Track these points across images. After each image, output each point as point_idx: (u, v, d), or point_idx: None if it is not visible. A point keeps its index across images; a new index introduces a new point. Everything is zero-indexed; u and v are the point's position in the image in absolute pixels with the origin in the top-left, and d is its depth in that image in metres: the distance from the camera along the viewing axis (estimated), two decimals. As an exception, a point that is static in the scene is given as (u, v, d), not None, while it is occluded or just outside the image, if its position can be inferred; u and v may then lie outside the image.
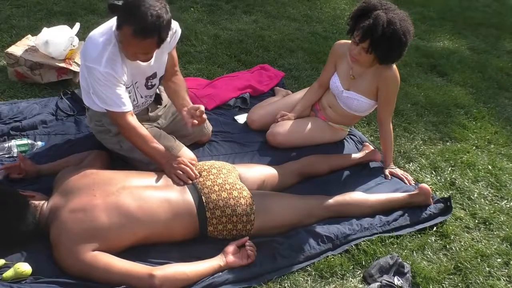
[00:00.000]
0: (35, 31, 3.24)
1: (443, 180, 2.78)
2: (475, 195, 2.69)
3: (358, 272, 2.10)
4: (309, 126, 2.78)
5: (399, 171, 2.67)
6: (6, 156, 2.39)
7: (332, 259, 2.12)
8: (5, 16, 3.72)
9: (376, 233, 2.26)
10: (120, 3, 1.98)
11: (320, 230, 2.18)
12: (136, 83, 2.24)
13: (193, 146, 2.60)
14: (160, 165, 2.17)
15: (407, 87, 3.71)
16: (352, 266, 2.11)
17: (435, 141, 3.16)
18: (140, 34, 1.91)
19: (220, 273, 1.92)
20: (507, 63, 4.46)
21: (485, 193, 2.73)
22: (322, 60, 3.76)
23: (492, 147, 3.18)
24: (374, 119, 3.11)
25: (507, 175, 2.89)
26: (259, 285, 1.95)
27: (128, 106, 2.13)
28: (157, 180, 2.07)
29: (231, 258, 1.96)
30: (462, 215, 2.53)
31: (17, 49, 2.99)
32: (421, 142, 3.12)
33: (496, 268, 2.23)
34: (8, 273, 1.77)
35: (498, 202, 2.69)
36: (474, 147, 3.14)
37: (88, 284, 1.78)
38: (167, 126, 2.55)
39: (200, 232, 2.03)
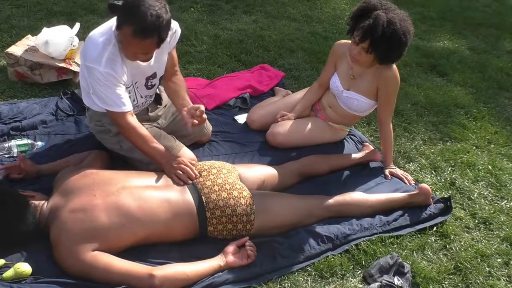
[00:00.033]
0: (35, 31, 3.24)
1: (443, 180, 2.78)
2: (475, 195, 2.69)
3: (358, 272, 2.10)
4: (309, 126, 2.78)
5: (399, 171, 2.67)
6: (6, 156, 2.39)
7: (332, 259, 2.12)
8: (5, 16, 3.73)
9: (376, 233, 2.26)
10: (120, 3, 1.98)
11: (320, 230, 2.18)
12: (136, 83, 2.24)
13: (193, 146, 2.60)
14: (160, 165, 2.17)
15: (407, 87, 3.71)
16: (352, 266, 2.11)
17: (435, 141, 3.16)
18: (140, 34, 1.91)
19: (220, 273, 1.92)
20: (507, 63, 4.46)
21: (485, 193, 2.73)
22: (322, 60, 3.76)
23: (492, 147, 3.18)
24: (374, 119, 3.11)
25: (507, 175, 2.89)
26: (259, 285, 1.95)
27: (128, 106, 2.13)
28: (157, 180, 2.07)
29: (231, 258, 1.96)
30: (462, 215, 2.53)
31: (17, 49, 2.99)
32: (421, 142, 3.12)
33: (496, 268, 2.23)
34: (8, 273, 1.77)
35: (498, 202, 2.69)
36: (474, 147, 3.14)
37: (88, 284, 1.78)
38: (167, 126, 2.55)
39: (200, 232, 2.04)
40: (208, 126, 2.73)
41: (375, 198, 2.40)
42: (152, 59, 2.19)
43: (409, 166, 2.87)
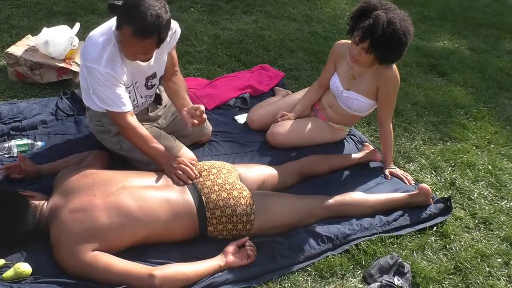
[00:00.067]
0: (35, 31, 3.24)
1: (443, 180, 2.78)
2: (475, 195, 2.69)
3: (358, 272, 2.10)
4: (309, 126, 2.78)
5: (399, 171, 2.67)
6: (6, 156, 2.39)
7: (332, 259, 2.12)
8: (5, 16, 3.73)
9: (376, 233, 2.26)
10: (120, 3, 1.98)
11: (320, 230, 2.18)
12: (136, 83, 2.24)
13: (193, 146, 2.60)
14: (160, 165, 2.17)
15: (407, 87, 3.71)
16: (352, 266, 2.11)
17: (435, 141, 3.16)
18: (140, 34, 1.91)
19: (220, 273, 1.92)
20: (507, 63, 4.46)
21: (485, 193, 2.73)
22: (322, 60, 3.76)
23: (492, 147, 3.18)
24: (374, 119, 3.11)
25: (507, 175, 2.89)
26: (259, 285, 1.95)
27: (128, 106, 2.13)
28: (157, 180, 2.07)
29: (231, 258, 1.96)
30: (462, 215, 2.53)
31: (17, 49, 2.99)
32: (421, 142, 3.12)
33: (496, 268, 2.23)
34: (8, 273, 1.77)
35: (498, 202, 2.69)
36: (474, 147, 3.14)
37: (88, 284, 1.78)
38: (167, 126, 2.55)
39: (200, 232, 2.03)
40: (208, 126, 2.73)
41: (375, 198, 2.40)
42: (152, 59, 2.19)
43: (409, 166, 2.87)
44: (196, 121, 2.19)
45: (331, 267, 2.08)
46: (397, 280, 2.02)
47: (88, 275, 1.77)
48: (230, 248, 2.00)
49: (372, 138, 3.07)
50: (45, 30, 3.03)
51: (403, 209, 2.39)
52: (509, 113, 3.64)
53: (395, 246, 2.24)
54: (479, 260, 2.25)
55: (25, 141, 2.47)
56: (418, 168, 2.86)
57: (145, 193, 1.95)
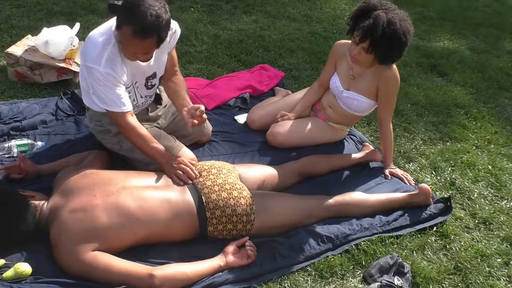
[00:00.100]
0: (35, 31, 3.24)
1: (443, 180, 2.78)
2: (475, 195, 2.69)
3: (358, 272, 2.10)
4: (309, 126, 2.78)
5: (399, 171, 2.67)
6: (6, 156, 2.39)
7: (332, 259, 2.12)
8: (5, 16, 3.73)
9: (376, 233, 2.26)
10: (120, 3, 1.98)
11: (320, 230, 2.18)
12: (136, 83, 2.24)
13: (193, 146, 2.60)
14: (160, 165, 2.17)
15: (407, 87, 3.71)
16: (352, 266, 2.11)
17: (435, 141, 3.16)
18: (140, 34, 1.91)
19: (220, 273, 1.92)
20: (507, 63, 4.46)
21: (485, 193, 2.73)
22: (322, 60, 3.76)
23: (492, 147, 3.18)
24: (374, 119, 3.11)
25: (507, 175, 2.89)
26: (259, 285, 1.95)
27: (128, 106, 2.13)
28: (157, 180, 2.07)
29: (231, 258, 1.96)
30: (462, 215, 2.53)
31: (17, 49, 2.99)
32: (421, 142, 3.12)
33: (496, 268, 2.23)
34: (8, 273, 1.77)
35: (498, 202, 2.69)
36: (474, 147, 3.14)
37: (88, 284, 1.78)
38: (167, 126, 2.55)
39: (200, 232, 2.03)
40: (208, 126, 2.73)
41: (375, 198, 2.40)
42: (152, 59, 2.19)
43: (409, 166, 2.87)
44: (196, 121, 2.19)
45: (331, 267, 2.08)
46: (397, 280, 2.02)
47: (88, 275, 1.77)
48: (230, 248, 2.00)
49: (372, 138, 3.07)
50: (45, 30, 3.03)
51: (403, 209, 2.39)
52: (509, 113, 3.64)
53: (395, 246, 2.24)
54: (479, 260, 2.25)
55: (25, 141, 2.47)
56: (418, 168, 2.86)
57: (145, 193, 1.95)
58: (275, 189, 2.35)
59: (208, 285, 1.87)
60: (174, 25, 2.21)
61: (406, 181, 2.62)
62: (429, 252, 2.25)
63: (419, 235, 2.33)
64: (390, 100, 2.59)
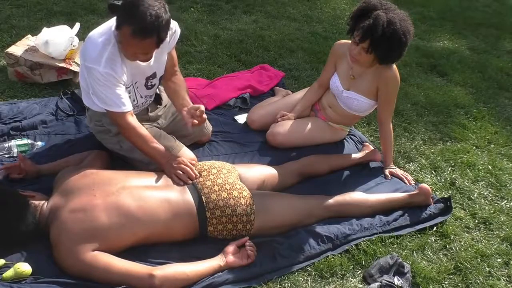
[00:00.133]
0: (35, 31, 3.24)
1: (443, 180, 2.78)
2: (475, 195, 2.69)
3: (358, 272, 2.10)
4: (309, 126, 2.78)
5: (399, 171, 2.67)
6: (6, 156, 2.39)
7: (332, 259, 2.12)
8: (5, 16, 3.73)
9: (376, 233, 2.26)
10: (119, 3, 1.98)
11: (320, 230, 2.18)
12: (136, 83, 2.24)
13: (193, 146, 2.60)
14: (160, 165, 2.17)
15: (407, 87, 3.71)
16: (352, 266, 2.11)
17: (435, 141, 3.16)
18: (139, 34, 1.91)
19: (220, 273, 1.92)
20: (507, 63, 4.46)
21: (485, 193, 2.73)
22: (322, 60, 3.76)
23: (492, 147, 3.18)
24: (374, 119, 3.11)
25: (507, 175, 2.89)
26: (259, 285, 1.95)
27: (128, 106, 2.13)
28: (157, 180, 2.07)
29: (231, 258, 1.96)
30: (462, 215, 2.53)
31: (17, 49, 2.99)
32: (421, 142, 3.12)
33: (496, 268, 2.23)
34: (8, 273, 1.77)
35: (498, 202, 2.69)
36: (474, 147, 3.14)
37: (88, 284, 1.78)
38: (167, 126, 2.55)
39: (200, 232, 2.03)
40: (208, 126, 2.73)
41: (375, 198, 2.40)
42: (152, 59, 2.19)
43: (409, 166, 2.87)
44: (196, 121, 2.19)
45: (331, 267, 2.08)
46: (397, 280, 2.02)
47: (88, 275, 1.77)
48: (230, 248, 2.00)
49: (372, 138, 3.07)
50: (45, 30, 3.03)
51: (403, 209, 2.39)
52: (509, 113, 3.64)
53: (395, 246, 2.24)
54: (479, 260, 2.25)
55: (25, 141, 2.47)
56: (418, 168, 2.86)
57: (145, 193, 1.95)
58: (275, 189, 2.35)
59: (208, 285, 1.87)
60: (174, 25, 2.21)
61: (406, 181, 2.62)
62: (429, 252, 2.25)
63: (419, 235, 2.33)
64: (390, 100, 2.59)
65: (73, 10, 4.00)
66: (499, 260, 2.28)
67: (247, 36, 4.11)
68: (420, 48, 4.45)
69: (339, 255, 2.15)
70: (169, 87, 2.41)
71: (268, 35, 4.20)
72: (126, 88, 2.16)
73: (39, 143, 2.51)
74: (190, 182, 2.09)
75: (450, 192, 2.69)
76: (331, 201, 2.30)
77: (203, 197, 2.03)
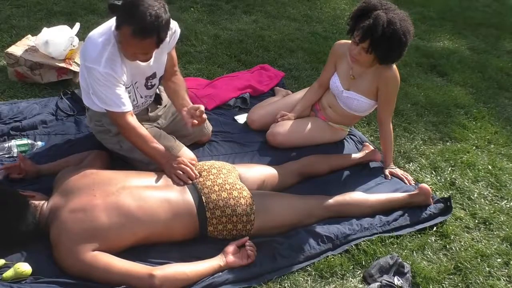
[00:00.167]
0: (35, 31, 3.24)
1: (443, 180, 2.78)
2: (475, 195, 2.69)
3: (358, 272, 2.10)
4: (309, 126, 2.78)
5: (399, 171, 2.67)
6: (6, 156, 2.39)
7: (332, 259, 2.12)
8: (5, 16, 3.73)
9: (376, 233, 2.26)
10: (119, 3, 1.98)
11: (320, 230, 2.18)
12: (135, 83, 2.24)
13: (193, 146, 2.60)
14: (160, 165, 2.17)
15: (407, 87, 3.71)
16: (352, 266, 2.11)
17: (435, 141, 3.16)
18: (139, 34, 1.91)
19: (220, 273, 1.92)
20: (507, 63, 4.46)
21: (485, 193, 2.73)
22: (322, 60, 3.76)
23: (492, 147, 3.18)
24: (374, 119, 3.11)
25: (507, 175, 2.89)
26: (259, 285, 1.95)
27: (127, 106, 2.13)
28: (157, 180, 2.07)
29: (231, 258, 1.96)
30: (462, 215, 2.53)
31: (17, 49, 2.99)
32: (421, 142, 3.12)
33: (496, 268, 2.23)
34: (8, 273, 1.77)
35: (498, 202, 2.69)
36: (474, 147, 3.14)
37: (88, 284, 1.78)
38: (167, 126, 2.55)
39: (200, 232, 2.03)
40: (208, 126, 2.73)
41: (375, 198, 2.40)
42: (152, 59, 2.19)
43: (409, 166, 2.87)
44: (196, 121, 2.19)
45: (331, 267, 2.08)
46: (397, 280, 2.02)
47: (88, 275, 1.77)
48: (230, 248, 2.00)
49: (372, 138, 3.07)
50: (45, 30, 3.03)
51: (403, 209, 2.39)
52: (509, 113, 3.64)
53: (395, 246, 2.24)
54: (479, 260, 2.25)
55: (25, 141, 2.47)
56: (418, 168, 2.86)
57: (145, 193, 1.95)
58: (275, 189, 2.35)
59: (208, 285, 1.87)
60: (174, 25, 2.21)
61: (406, 181, 2.62)
62: (429, 252, 2.25)
63: (419, 235, 2.33)
64: (390, 100, 2.59)
65: (73, 10, 4.00)
66: (499, 260, 2.28)
67: (247, 36, 4.11)
68: (420, 48, 4.45)
69: (339, 255, 2.15)
70: (169, 87, 2.41)
71: (268, 35, 4.20)
72: (126, 88, 2.16)
73: (39, 143, 2.51)
74: (190, 182, 2.09)
75: (450, 192, 2.69)
76: (331, 201, 2.30)
77: (203, 197, 2.03)
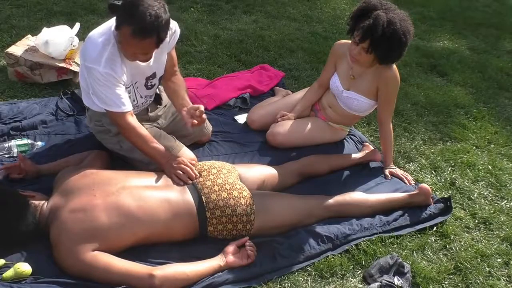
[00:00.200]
0: (35, 31, 3.24)
1: (443, 180, 2.78)
2: (475, 195, 2.69)
3: (358, 272, 2.10)
4: (309, 126, 2.78)
5: (399, 171, 2.67)
6: (6, 156, 2.39)
7: (332, 259, 2.12)
8: (5, 16, 3.73)
9: (376, 233, 2.26)
10: (119, 3, 1.98)
11: (320, 230, 2.18)
12: (135, 83, 2.24)
13: (193, 146, 2.60)
14: (160, 165, 2.17)
15: (407, 87, 3.71)
16: (352, 266, 2.11)
17: (435, 141, 3.16)
18: (139, 34, 1.91)
19: (220, 273, 1.92)
20: (507, 63, 4.46)
21: (485, 193, 2.73)
22: (322, 60, 3.76)
23: (492, 147, 3.18)
24: (374, 119, 3.11)
25: (507, 175, 2.89)
26: (259, 285, 1.95)
27: (127, 106, 2.13)
28: (157, 180, 2.07)
29: (231, 258, 1.96)
30: (462, 215, 2.53)
31: (17, 49, 2.99)
32: (421, 142, 3.12)
33: (496, 268, 2.23)
34: (8, 273, 1.77)
35: (498, 202, 2.69)
36: (474, 147, 3.14)
37: (88, 284, 1.78)
38: (167, 126, 2.55)
39: (200, 232, 2.03)
40: (208, 126, 2.73)
41: (375, 198, 2.40)
42: (152, 59, 2.19)
43: (409, 166, 2.87)
44: (195, 121, 2.19)
45: (331, 267, 2.08)
46: (397, 280, 2.02)
47: (88, 275, 1.77)
48: (230, 248, 2.00)
49: (372, 138, 3.07)
50: (45, 30, 3.03)
51: (403, 209, 2.39)
52: (509, 113, 3.64)
53: (395, 246, 2.24)
54: (479, 260, 2.25)
55: (25, 141, 2.47)
56: (418, 168, 2.86)
57: (145, 193, 1.95)
58: (275, 189, 2.35)
59: (208, 285, 1.87)
60: (174, 25, 2.21)
61: (406, 181, 2.62)
62: (429, 252, 2.25)
63: (419, 235, 2.33)
64: (390, 100, 2.59)
65: (73, 10, 4.00)
66: (499, 260, 2.28)
67: (247, 36, 4.11)
68: (420, 48, 4.45)
69: (339, 255, 2.15)
70: (168, 87, 2.41)
71: (268, 35, 4.20)
72: (126, 88, 2.16)
73: (39, 143, 2.51)
74: (190, 182, 2.09)
75: (450, 192, 2.69)
76: (331, 201, 2.30)
77: (203, 197, 2.03)
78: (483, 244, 2.36)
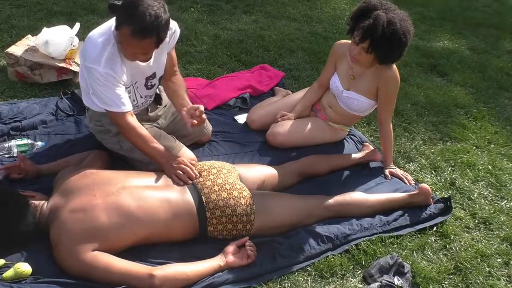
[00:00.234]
0: (35, 31, 3.24)
1: (443, 180, 2.78)
2: (475, 195, 2.69)
3: (358, 272, 2.10)
4: (309, 126, 2.78)
5: (399, 171, 2.67)
6: (6, 156, 2.39)
7: (332, 259, 2.12)
8: (5, 16, 3.73)
9: (376, 233, 2.26)
10: (119, 3, 1.98)
11: (320, 230, 2.18)
12: (135, 83, 2.24)
13: (193, 146, 2.60)
14: (160, 165, 2.17)
15: (407, 87, 3.71)
16: (352, 266, 2.11)
17: (435, 141, 3.16)
18: (139, 34, 1.91)
19: (220, 273, 1.92)
20: (507, 63, 4.46)
21: (485, 193, 2.73)
22: (322, 60, 3.76)
23: (492, 147, 3.17)
24: (374, 119, 3.11)
25: (507, 175, 2.89)
26: (259, 285, 1.95)
27: (127, 106, 2.13)
28: (157, 180, 2.07)
29: (231, 258, 1.96)
30: (462, 215, 2.53)
31: (17, 49, 2.99)
32: (421, 142, 3.12)
33: (496, 268, 2.23)
34: (8, 273, 1.77)
35: (498, 202, 2.69)
36: (474, 147, 3.14)
37: (88, 284, 1.78)
38: (167, 126, 2.55)
39: (200, 232, 2.03)
40: (208, 126, 2.73)
41: (375, 198, 2.40)
42: (151, 59, 2.19)
43: (409, 166, 2.87)
44: (195, 121, 2.19)
45: (331, 267, 2.08)
46: (397, 280, 2.02)
47: (88, 275, 1.77)
48: (230, 248, 2.00)
49: (372, 138, 3.07)
50: (45, 30, 3.03)
51: (403, 209, 2.39)
52: (509, 113, 3.64)
53: (395, 246, 2.24)
54: (479, 260, 2.25)
55: (25, 141, 2.47)
56: (418, 168, 2.86)
57: (145, 193, 1.95)
58: (275, 189, 2.35)
59: (208, 285, 1.87)
60: (174, 25, 2.21)
61: (406, 181, 2.61)
62: (429, 252, 2.25)
63: (419, 235, 2.33)
64: (390, 100, 2.59)
65: (73, 10, 4.00)
66: (499, 260, 2.28)
67: (247, 36, 4.11)
68: (420, 48, 4.45)
69: (339, 255, 2.15)
70: (168, 87, 2.41)
71: (268, 35, 4.20)
72: (126, 88, 2.16)
73: (39, 143, 2.51)
74: (190, 182, 2.09)
75: (450, 192, 2.69)
76: (331, 201, 2.30)
77: (203, 197, 2.03)
78: (483, 244, 2.36)
